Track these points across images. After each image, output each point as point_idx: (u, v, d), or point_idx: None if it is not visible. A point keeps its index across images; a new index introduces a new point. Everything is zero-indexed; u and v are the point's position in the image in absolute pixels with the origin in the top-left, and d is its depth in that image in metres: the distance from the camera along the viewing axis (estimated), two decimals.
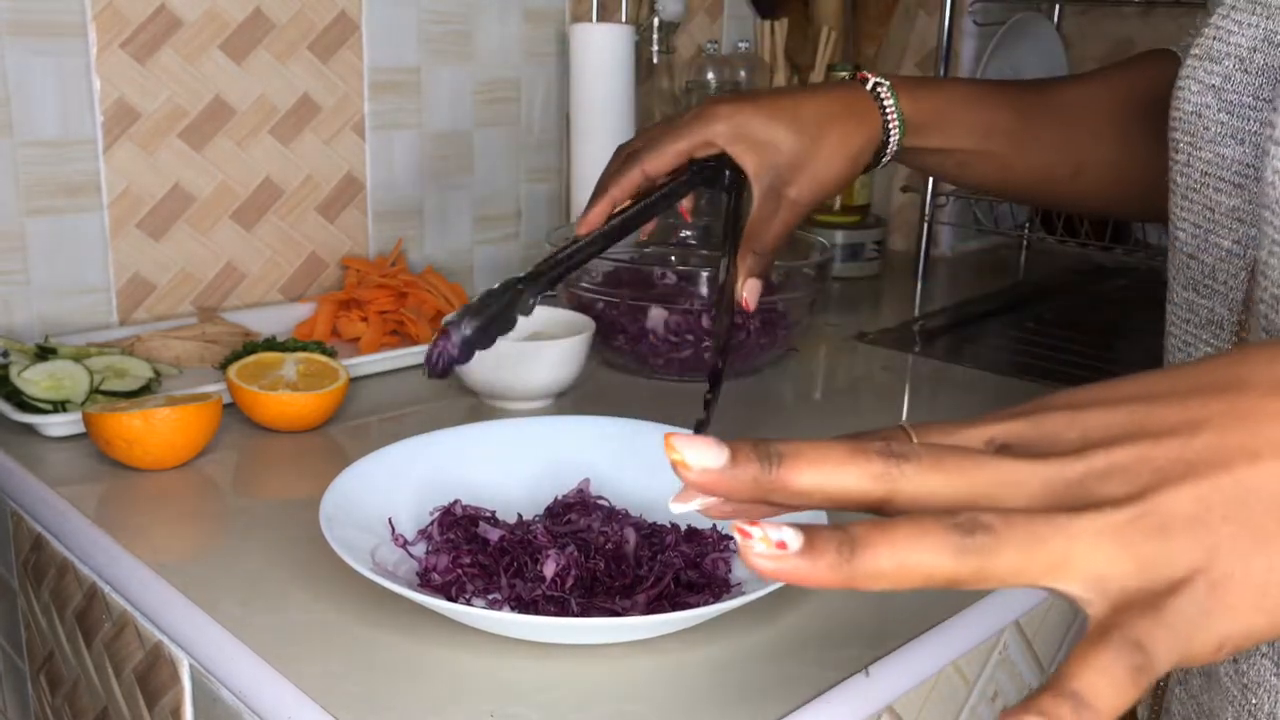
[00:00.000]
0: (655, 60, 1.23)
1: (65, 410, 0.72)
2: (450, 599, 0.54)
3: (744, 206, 0.66)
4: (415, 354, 0.90)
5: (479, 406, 0.83)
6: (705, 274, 0.94)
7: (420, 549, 0.59)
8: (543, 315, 0.89)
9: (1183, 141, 0.52)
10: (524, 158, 1.19)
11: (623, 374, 0.92)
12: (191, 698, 0.56)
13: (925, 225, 1.34)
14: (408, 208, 1.10)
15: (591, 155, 1.11)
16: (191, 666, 0.55)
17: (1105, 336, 1.23)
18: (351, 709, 0.47)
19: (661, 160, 0.66)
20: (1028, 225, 1.42)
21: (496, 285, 0.59)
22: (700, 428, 0.60)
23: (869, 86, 0.66)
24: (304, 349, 0.81)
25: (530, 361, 0.80)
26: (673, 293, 0.92)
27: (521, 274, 0.60)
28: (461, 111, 1.12)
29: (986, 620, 0.58)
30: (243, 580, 0.57)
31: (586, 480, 0.65)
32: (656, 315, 0.89)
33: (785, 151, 0.64)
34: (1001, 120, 0.68)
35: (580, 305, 0.92)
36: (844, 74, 1.30)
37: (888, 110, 0.65)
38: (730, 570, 0.58)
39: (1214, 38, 0.51)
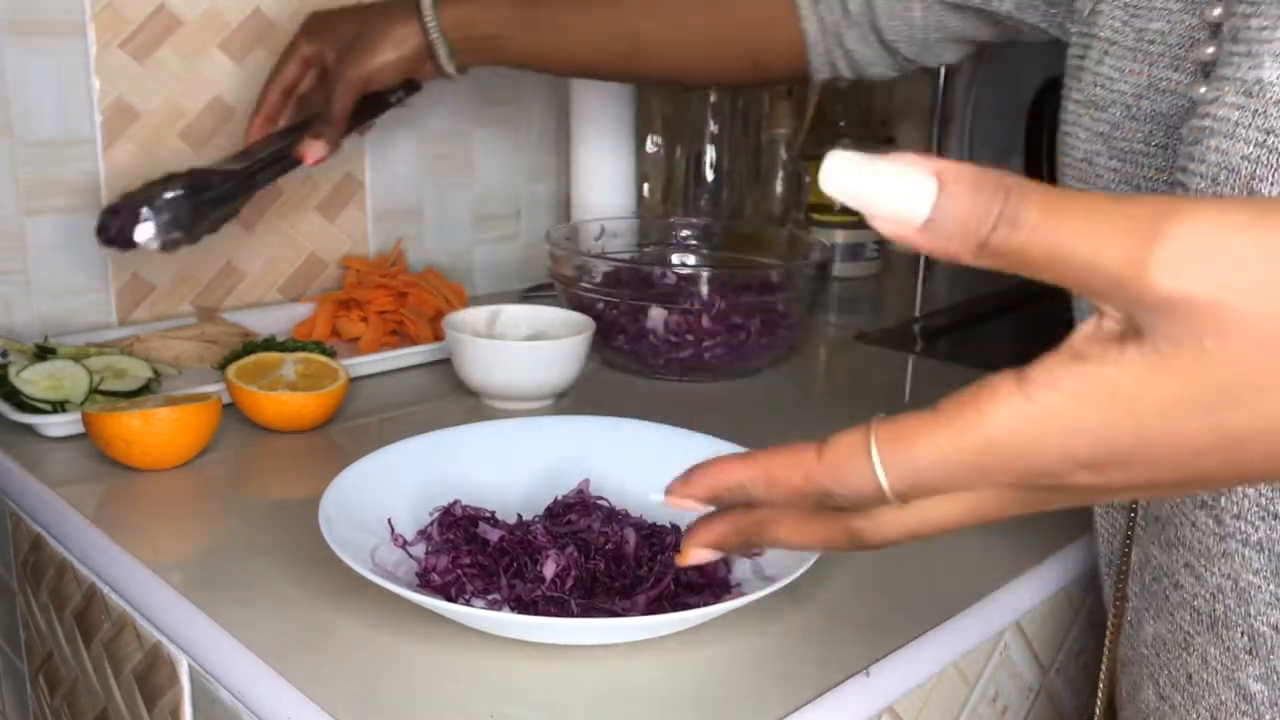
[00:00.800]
0: None
1: (64, 410, 0.72)
2: (450, 599, 0.54)
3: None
4: (416, 354, 0.90)
5: (479, 406, 0.83)
6: (705, 274, 0.93)
7: (420, 549, 0.59)
8: (543, 315, 0.89)
9: (1075, 188, 0.53)
10: (524, 158, 1.19)
11: (623, 374, 0.92)
12: (190, 698, 0.56)
13: None
14: (407, 208, 1.10)
15: (591, 156, 1.11)
16: (190, 667, 0.55)
17: None
18: (351, 709, 0.47)
19: (279, 72, 0.82)
20: None
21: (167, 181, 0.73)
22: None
23: (423, 8, 0.79)
24: (304, 349, 0.81)
25: (530, 361, 0.80)
26: (673, 293, 0.92)
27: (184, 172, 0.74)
28: (461, 111, 1.12)
29: (986, 620, 0.58)
30: (242, 580, 0.57)
31: (586, 480, 0.65)
32: (656, 315, 0.89)
33: (346, 38, 0.80)
34: (549, 22, 0.78)
35: (580, 305, 0.92)
36: None
37: (429, 29, 0.79)
38: (730, 570, 0.58)
39: (1096, 84, 0.52)
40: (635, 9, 0.77)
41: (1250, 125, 0.40)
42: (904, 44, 0.75)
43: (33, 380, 0.74)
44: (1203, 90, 0.46)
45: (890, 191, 0.26)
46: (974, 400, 0.28)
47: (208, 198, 0.71)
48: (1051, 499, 0.30)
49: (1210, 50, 0.46)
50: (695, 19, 0.77)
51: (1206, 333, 0.25)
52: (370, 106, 0.84)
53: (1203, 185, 0.42)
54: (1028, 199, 0.26)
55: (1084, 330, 0.28)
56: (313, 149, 0.78)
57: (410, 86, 0.85)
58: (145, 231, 0.67)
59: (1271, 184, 0.40)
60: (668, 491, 0.33)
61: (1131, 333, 0.27)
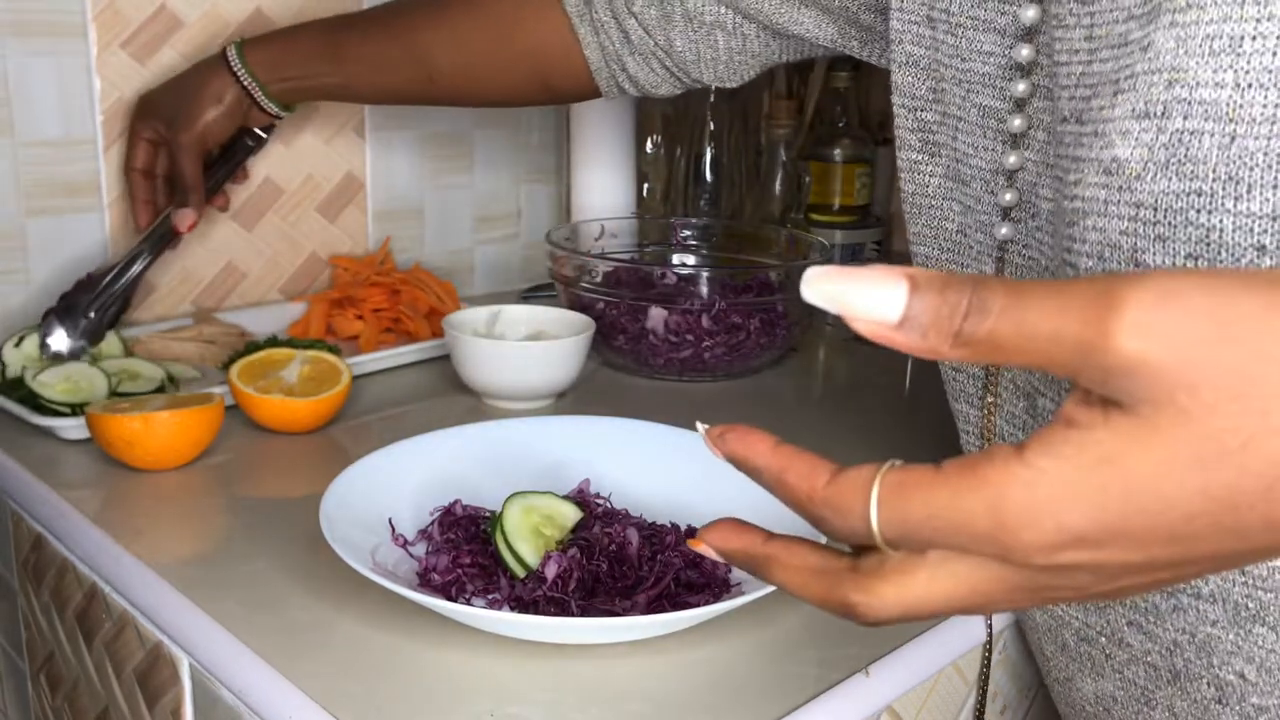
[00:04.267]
0: None
1: (84, 413, 0.72)
2: (450, 599, 0.54)
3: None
4: (415, 351, 0.90)
5: (479, 406, 0.83)
6: (705, 274, 0.94)
7: (420, 549, 0.59)
8: (543, 315, 0.89)
9: (938, 263, 0.56)
10: (524, 158, 1.19)
11: (623, 374, 0.92)
12: (191, 697, 0.56)
13: None
14: (407, 208, 1.10)
15: (591, 155, 1.11)
16: (191, 666, 0.55)
17: None
18: (351, 709, 0.47)
19: (132, 158, 0.87)
20: None
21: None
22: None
23: (230, 57, 0.84)
24: (311, 347, 0.81)
25: (530, 361, 0.80)
26: (673, 293, 0.92)
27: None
28: (461, 112, 1.12)
29: (987, 620, 0.58)
30: (243, 580, 0.57)
31: (586, 480, 0.65)
32: (656, 315, 0.89)
33: (171, 109, 0.85)
34: (364, 54, 0.83)
35: (580, 305, 0.92)
36: (844, 72, 1.30)
37: (240, 77, 0.84)
38: (730, 570, 0.58)
39: (956, 159, 0.54)
40: (430, 40, 0.81)
41: (1119, 201, 0.41)
42: (705, 68, 0.77)
43: (49, 383, 0.74)
44: (1012, 160, 0.49)
45: (866, 295, 0.28)
46: (974, 464, 0.28)
47: (102, 296, 0.83)
48: (1051, 586, 0.29)
49: (1018, 122, 0.49)
50: (485, 47, 0.80)
51: (1179, 389, 0.25)
52: (231, 157, 0.90)
53: (1090, 264, 0.43)
54: (993, 288, 0.27)
55: (1074, 397, 0.28)
56: (182, 217, 0.84)
57: (267, 129, 0.91)
58: (58, 341, 0.81)
59: (1154, 254, 0.41)
60: (705, 431, 0.34)
61: (1113, 402, 0.27)
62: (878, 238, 1.34)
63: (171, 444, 0.68)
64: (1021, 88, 0.48)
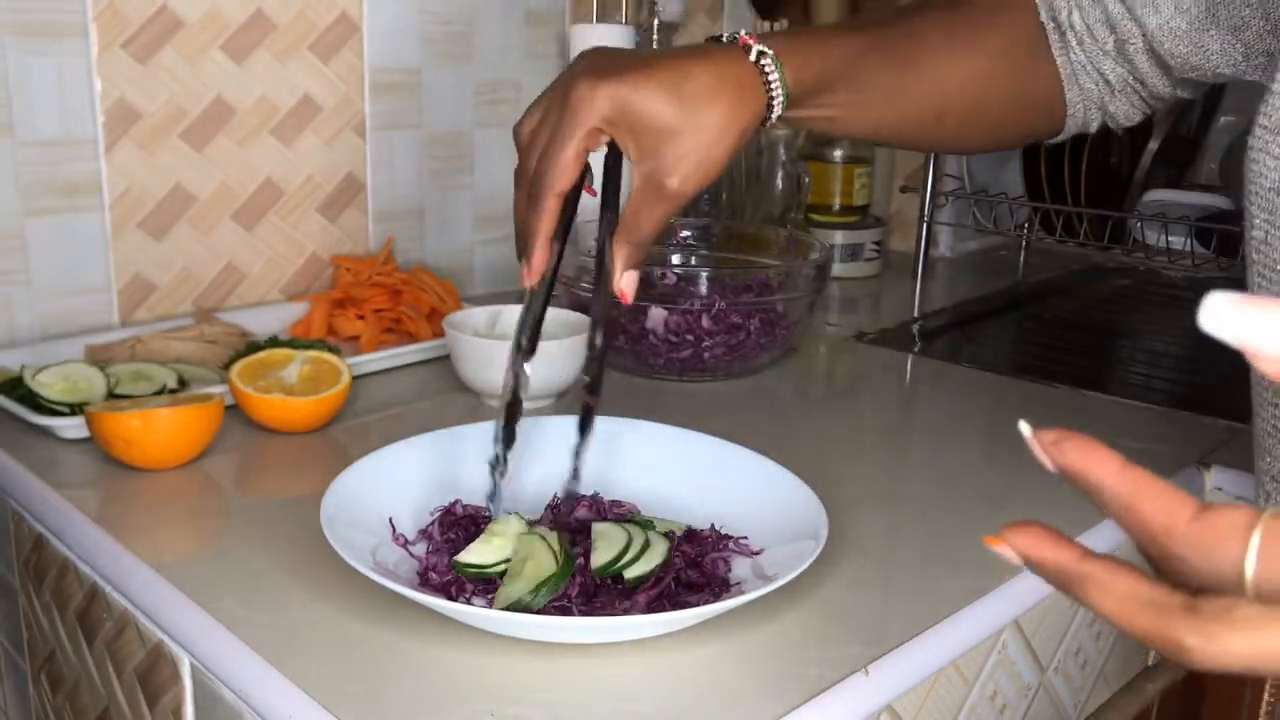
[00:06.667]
0: None
1: (83, 413, 0.72)
2: (450, 599, 0.54)
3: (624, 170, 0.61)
4: (415, 351, 0.90)
5: (479, 406, 0.83)
6: (705, 274, 0.94)
7: (420, 549, 0.59)
8: None
9: (1259, 218, 0.50)
10: None
11: (623, 374, 0.92)
12: (192, 697, 0.56)
13: (924, 225, 1.35)
14: (408, 208, 1.10)
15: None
16: (192, 666, 0.55)
17: (1105, 336, 1.23)
18: (351, 709, 0.47)
19: (567, 175, 0.59)
20: (1027, 225, 1.43)
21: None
22: (583, 429, 0.60)
23: (753, 57, 0.59)
24: (311, 348, 0.81)
25: (530, 361, 0.80)
26: (673, 293, 0.92)
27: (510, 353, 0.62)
28: (461, 111, 1.12)
29: (986, 620, 0.58)
30: (243, 580, 0.57)
31: (596, 493, 0.65)
32: (656, 315, 0.89)
33: (669, 135, 0.57)
34: (879, 80, 0.65)
35: (580, 305, 0.92)
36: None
37: (772, 84, 0.59)
38: (730, 570, 0.58)
39: None
40: (950, 76, 0.68)
41: None
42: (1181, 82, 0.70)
43: (48, 383, 0.74)
44: None
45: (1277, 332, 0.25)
46: None
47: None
48: None
49: None
50: (1001, 90, 0.70)
51: None
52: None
53: None
54: None
55: None
56: (631, 284, 0.59)
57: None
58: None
59: None
60: (1034, 434, 0.30)
61: None
62: (877, 238, 1.34)
63: (171, 442, 0.68)
64: None
